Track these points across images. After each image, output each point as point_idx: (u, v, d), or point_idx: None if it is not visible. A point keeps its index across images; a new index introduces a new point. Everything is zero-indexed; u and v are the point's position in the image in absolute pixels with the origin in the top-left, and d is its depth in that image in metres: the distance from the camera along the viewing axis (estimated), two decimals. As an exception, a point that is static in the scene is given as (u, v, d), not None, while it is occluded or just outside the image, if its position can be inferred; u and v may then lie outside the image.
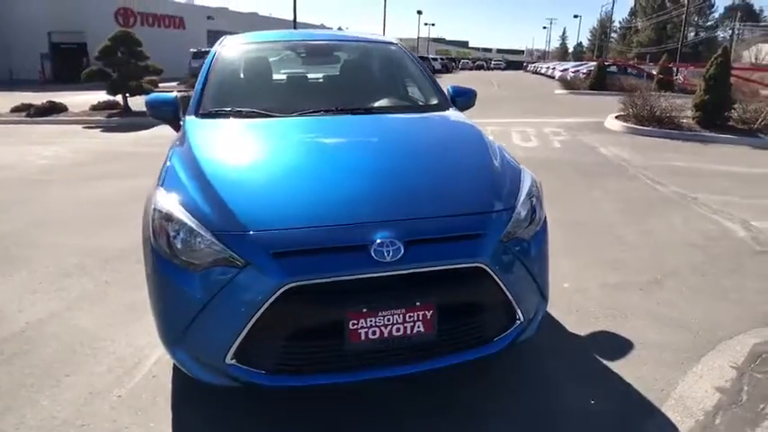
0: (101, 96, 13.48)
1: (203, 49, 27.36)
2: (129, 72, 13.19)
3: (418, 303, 1.96)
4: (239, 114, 2.87)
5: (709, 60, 10.84)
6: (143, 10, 30.12)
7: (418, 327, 1.99)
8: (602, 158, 8.29)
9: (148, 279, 2.17)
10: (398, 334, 1.97)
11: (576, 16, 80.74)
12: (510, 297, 2.12)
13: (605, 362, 2.67)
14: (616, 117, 11.96)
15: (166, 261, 2.02)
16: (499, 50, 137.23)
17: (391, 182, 2.24)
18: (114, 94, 13.18)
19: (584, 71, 28.97)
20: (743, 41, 53.61)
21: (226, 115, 2.87)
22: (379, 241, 1.92)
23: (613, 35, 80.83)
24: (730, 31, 60.88)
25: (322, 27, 50.03)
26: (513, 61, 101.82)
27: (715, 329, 3.00)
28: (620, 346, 2.82)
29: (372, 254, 1.91)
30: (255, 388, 2.06)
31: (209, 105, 2.96)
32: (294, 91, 3.46)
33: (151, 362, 2.63)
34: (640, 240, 4.45)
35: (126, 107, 13.10)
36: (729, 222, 4.97)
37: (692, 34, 67.97)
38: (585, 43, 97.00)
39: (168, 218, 2.04)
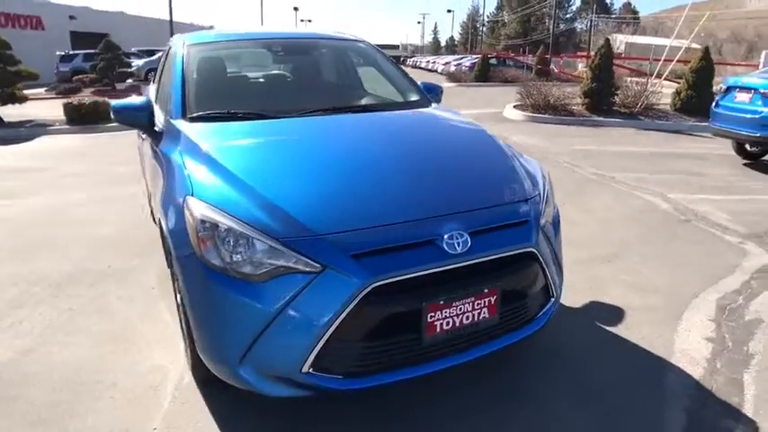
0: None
1: (72, 52, 25.00)
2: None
3: (486, 290, 2.03)
4: (236, 116, 2.72)
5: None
6: (-9, 8, 26.80)
7: (484, 313, 2.06)
8: (517, 147, 8.82)
9: (190, 298, 2.03)
10: (468, 322, 2.03)
11: (449, 11, 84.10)
12: (548, 276, 2.27)
13: (609, 329, 2.92)
14: (514, 107, 12.77)
15: (220, 275, 1.90)
16: (375, 46, 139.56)
17: (437, 177, 2.29)
18: (-17, 104, 11.64)
19: (468, 64, 30.45)
20: (599, 32, 59.35)
21: (223, 118, 2.71)
22: (448, 234, 1.97)
23: (483, 28, 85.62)
24: (587, 23, 67.20)
25: (192, 26, 47.30)
26: (390, 56, 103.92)
27: (680, 290, 3.38)
28: (614, 314, 3.08)
29: (444, 246, 1.94)
30: (329, 395, 2.01)
31: (197, 108, 2.77)
32: (283, 91, 3.34)
33: (170, 388, 2.44)
34: (586, 218, 4.85)
35: (-3, 119, 11.64)
36: (650, 197, 5.57)
37: (554, 26, 73.97)
38: (457, 37, 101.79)
39: (216, 227, 1.92)
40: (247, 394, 2.04)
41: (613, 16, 65.12)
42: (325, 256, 1.84)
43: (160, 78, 3.71)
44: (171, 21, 29.91)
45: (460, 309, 2.00)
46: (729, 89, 7.13)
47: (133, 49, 25.57)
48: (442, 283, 1.96)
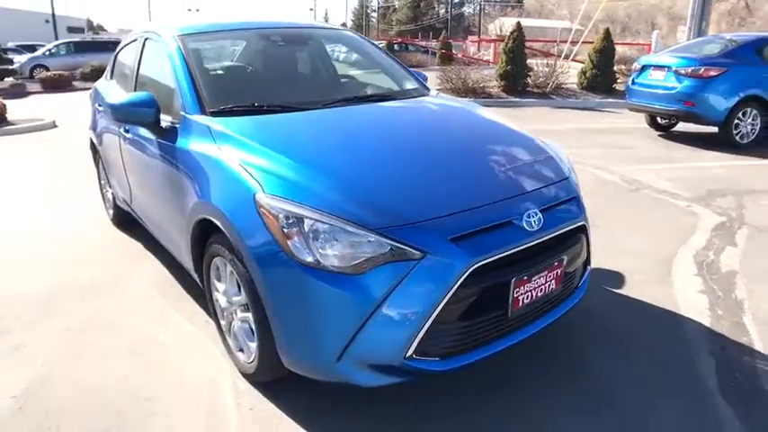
0: None
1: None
2: None
3: (555, 263, 2.17)
4: (262, 109, 2.63)
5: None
6: None
7: (552, 284, 2.21)
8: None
9: (276, 298, 1.97)
10: (541, 294, 2.17)
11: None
12: (589, 246, 2.46)
13: (617, 291, 3.19)
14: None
15: (314, 270, 1.87)
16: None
17: (491, 161, 2.38)
18: None
19: (371, 51, 30.53)
20: (487, 15, 61.99)
21: (246, 112, 2.60)
22: (525, 213, 2.07)
23: (374, 14, 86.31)
24: (474, 7, 69.81)
25: (69, 18, 43.14)
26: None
27: (659, 251, 3.75)
28: (614, 277, 3.36)
29: (524, 225, 2.05)
30: (427, 378, 2.06)
31: (215, 102, 2.64)
32: (295, 81, 3.22)
33: (230, 396, 2.33)
34: (549, 192, 5.18)
35: None
36: (597, 170, 6.03)
37: (443, 11, 76.32)
38: (350, 24, 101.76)
39: (301, 222, 1.88)
40: (321, 391, 2.01)
41: (499, 0, 68.47)
42: (424, 243, 1.87)
43: (137, 72, 3.45)
44: (53, 14, 27.32)
45: (537, 282, 2.12)
46: (644, 68, 7.85)
47: (10, 44, 23.08)
48: (523, 260, 2.07)
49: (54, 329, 2.91)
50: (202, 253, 2.52)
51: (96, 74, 17.72)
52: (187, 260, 2.71)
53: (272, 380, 2.30)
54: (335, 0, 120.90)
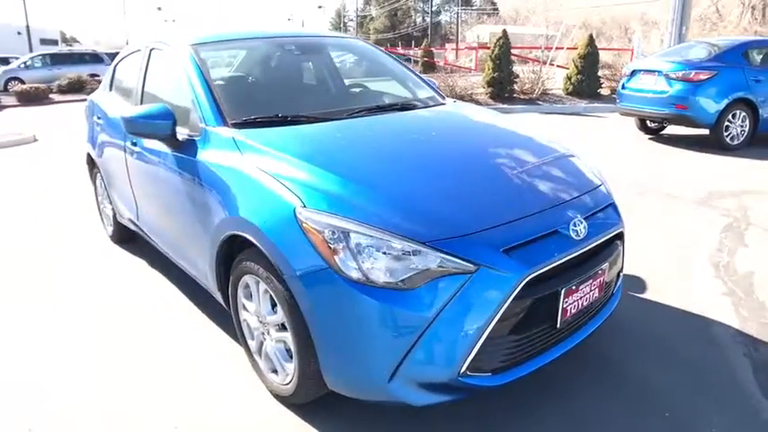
0: None
1: None
2: None
3: (599, 271, 2.14)
4: (285, 120, 2.56)
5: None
6: None
7: (595, 293, 2.18)
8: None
9: (321, 317, 1.90)
10: (586, 303, 2.13)
11: (320, 7, 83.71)
12: (623, 252, 2.44)
13: (639, 295, 3.17)
14: (422, 98, 13.13)
15: (363, 286, 1.80)
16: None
17: (528, 170, 2.34)
18: None
19: (353, 60, 30.60)
20: (464, 23, 62.69)
21: (272, 123, 2.53)
22: (571, 221, 2.04)
23: (351, 24, 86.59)
24: (451, 15, 70.56)
25: (39, 31, 42.19)
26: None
27: (673, 254, 3.76)
28: (636, 282, 3.34)
29: (570, 233, 2.01)
30: (478, 393, 2.00)
31: (237, 114, 2.56)
32: (315, 91, 3.16)
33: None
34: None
35: None
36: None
37: (420, 19, 77.00)
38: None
39: (347, 236, 1.82)
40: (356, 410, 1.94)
41: (475, 8, 69.32)
42: (477, 255, 1.82)
43: (143, 84, 3.35)
44: (27, 26, 26.78)
45: (584, 291, 2.09)
46: (634, 72, 7.95)
47: (-20, 58, 22.54)
48: (570, 269, 2.03)
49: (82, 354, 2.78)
50: (227, 270, 2.43)
51: (74, 86, 17.45)
52: (209, 278, 2.60)
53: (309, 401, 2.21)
54: (312, 10, 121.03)
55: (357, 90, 3.28)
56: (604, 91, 13.05)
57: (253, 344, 2.41)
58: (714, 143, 7.30)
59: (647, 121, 8.30)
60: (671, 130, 8.47)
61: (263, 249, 2.03)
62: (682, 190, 5.30)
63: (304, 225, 1.90)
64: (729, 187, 5.42)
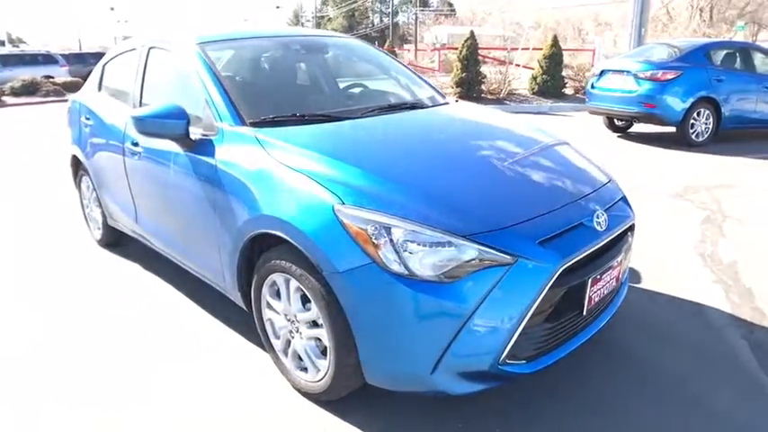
0: None
1: None
2: None
3: (618, 260, 2.25)
4: (303, 119, 2.58)
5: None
6: None
7: (614, 282, 2.29)
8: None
9: (364, 312, 1.93)
10: (607, 292, 2.25)
11: (278, 7, 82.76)
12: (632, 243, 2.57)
13: (644, 287, 3.32)
14: (392, 98, 13.22)
15: (405, 279, 1.85)
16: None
17: (547, 165, 2.43)
18: None
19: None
20: (422, 24, 63.31)
21: (290, 122, 2.54)
22: (594, 214, 2.14)
23: (309, 24, 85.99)
24: (408, 16, 71.01)
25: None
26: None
27: (661, 246, 3.94)
28: (635, 273, 3.48)
29: (594, 225, 2.11)
30: (513, 381, 2.07)
31: (254, 113, 2.56)
32: (326, 91, 3.16)
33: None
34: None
35: None
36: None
37: (377, 20, 77.27)
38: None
39: (389, 231, 1.86)
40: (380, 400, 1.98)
41: (432, 9, 70.08)
42: (515, 247, 1.89)
43: (142, 84, 3.29)
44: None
45: (605, 280, 2.20)
46: (603, 72, 8.25)
47: None
48: (594, 259, 2.13)
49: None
50: (248, 270, 2.43)
51: (28, 89, 16.75)
52: (227, 278, 2.58)
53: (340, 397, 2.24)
54: (269, 10, 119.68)
55: (365, 89, 3.31)
56: (568, 90, 13.45)
57: (278, 343, 2.41)
58: (680, 140, 7.65)
59: (615, 120, 8.62)
60: (638, 128, 8.82)
61: (300, 247, 2.04)
62: (658, 185, 5.55)
63: (345, 222, 1.92)
64: (701, 182, 5.70)
